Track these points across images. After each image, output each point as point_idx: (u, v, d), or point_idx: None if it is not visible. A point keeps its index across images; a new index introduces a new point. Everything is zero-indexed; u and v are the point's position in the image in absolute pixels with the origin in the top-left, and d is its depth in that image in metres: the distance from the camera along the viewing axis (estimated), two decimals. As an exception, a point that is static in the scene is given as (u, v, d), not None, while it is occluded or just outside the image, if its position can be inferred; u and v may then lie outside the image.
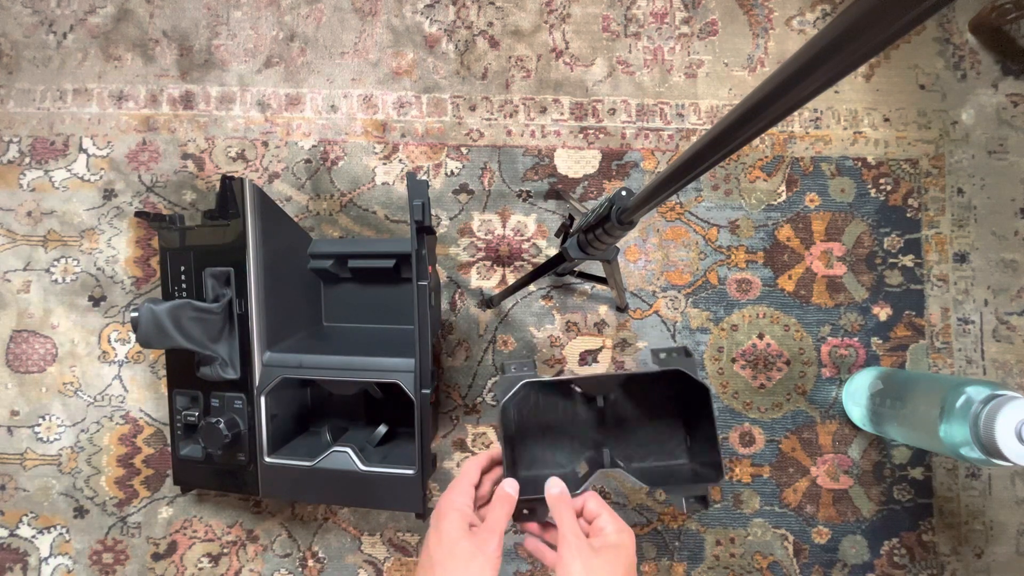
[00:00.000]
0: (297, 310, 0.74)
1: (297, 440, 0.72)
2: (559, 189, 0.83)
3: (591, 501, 0.49)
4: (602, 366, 0.82)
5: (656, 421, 0.59)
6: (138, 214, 0.69)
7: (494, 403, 0.81)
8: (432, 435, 0.77)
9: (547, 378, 0.55)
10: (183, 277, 0.68)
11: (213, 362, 0.67)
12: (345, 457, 0.65)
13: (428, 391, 0.61)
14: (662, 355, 0.54)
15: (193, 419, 0.68)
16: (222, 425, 0.65)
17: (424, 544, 0.46)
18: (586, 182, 0.84)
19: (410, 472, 0.63)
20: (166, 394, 0.72)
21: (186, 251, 0.68)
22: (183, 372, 0.69)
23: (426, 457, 0.62)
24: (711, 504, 0.76)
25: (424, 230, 0.59)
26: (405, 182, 0.81)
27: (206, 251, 0.67)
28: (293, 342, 0.71)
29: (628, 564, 0.45)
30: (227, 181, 0.65)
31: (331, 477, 0.65)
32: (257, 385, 0.66)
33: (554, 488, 0.49)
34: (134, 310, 0.61)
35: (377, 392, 0.71)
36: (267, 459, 0.66)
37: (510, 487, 0.49)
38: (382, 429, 0.70)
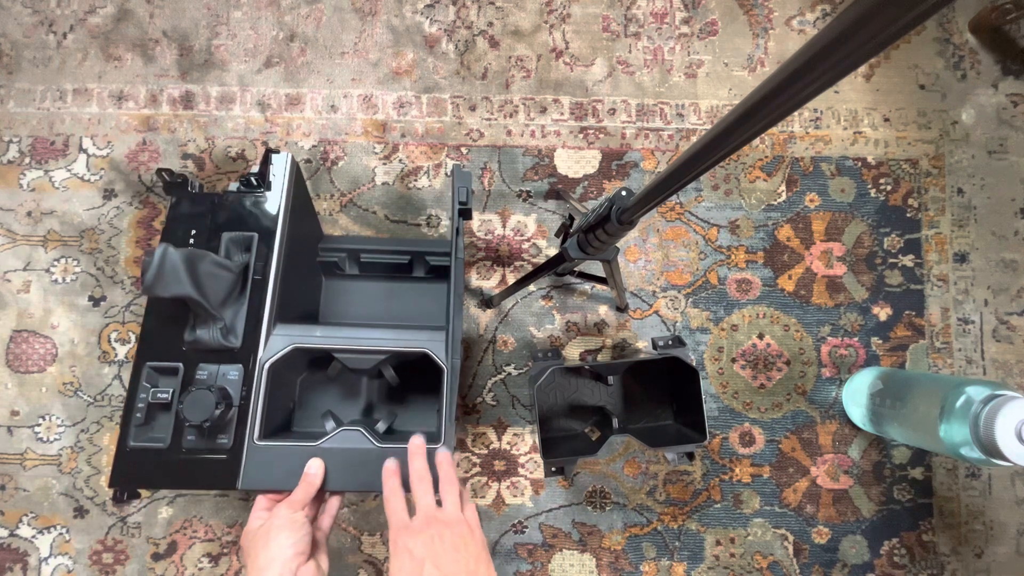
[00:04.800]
0: (299, 299, 0.72)
1: (281, 436, 0.65)
2: (559, 189, 0.83)
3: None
4: (602, 366, 0.82)
5: (651, 394, 0.76)
6: (159, 171, 0.65)
7: (494, 403, 0.81)
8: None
9: (570, 363, 0.71)
10: (191, 242, 0.63)
11: (214, 325, 0.59)
12: (357, 435, 0.59)
13: (459, 360, 0.60)
14: (660, 343, 0.67)
15: (164, 397, 0.58)
16: (213, 391, 0.57)
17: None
18: (586, 182, 0.84)
19: (436, 447, 0.58)
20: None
21: (201, 216, 0.64)
22: (162, 342, 0.60)
23: (452, 428, 0.59)
24: (694, 458, 0.81)
25: (464, 212, 0.63)
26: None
27: (229, 216, 0.64)
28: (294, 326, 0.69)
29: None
30: (269, 152, 0.65)
31: (340, 458, 0.58)
32: (261, 356, 0.60)
33: (390, 464, 0.55)
34: (147, 252, 0.55)
35: (393, 378, 0.67)
36: (257, 441, 0.58)
37: (314, 467, 0.56)
38: (381, 426, 0.68)
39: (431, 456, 0.55)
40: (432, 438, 0.63)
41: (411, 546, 0.46)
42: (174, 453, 0.58)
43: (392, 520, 0.50)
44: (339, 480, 0.58)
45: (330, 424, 0.64)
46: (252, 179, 0.65)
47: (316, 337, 0.61)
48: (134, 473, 0.58)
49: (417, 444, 0.55)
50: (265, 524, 0.51)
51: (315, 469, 0.56)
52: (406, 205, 0.83)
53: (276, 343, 0.61)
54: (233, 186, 0.67)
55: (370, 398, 0.72)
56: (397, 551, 0.47)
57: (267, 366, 0.60)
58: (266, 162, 0.65)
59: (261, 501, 0.55)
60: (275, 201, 0.65)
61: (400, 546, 0.47)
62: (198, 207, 0.65)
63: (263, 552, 0.49)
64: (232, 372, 0.60)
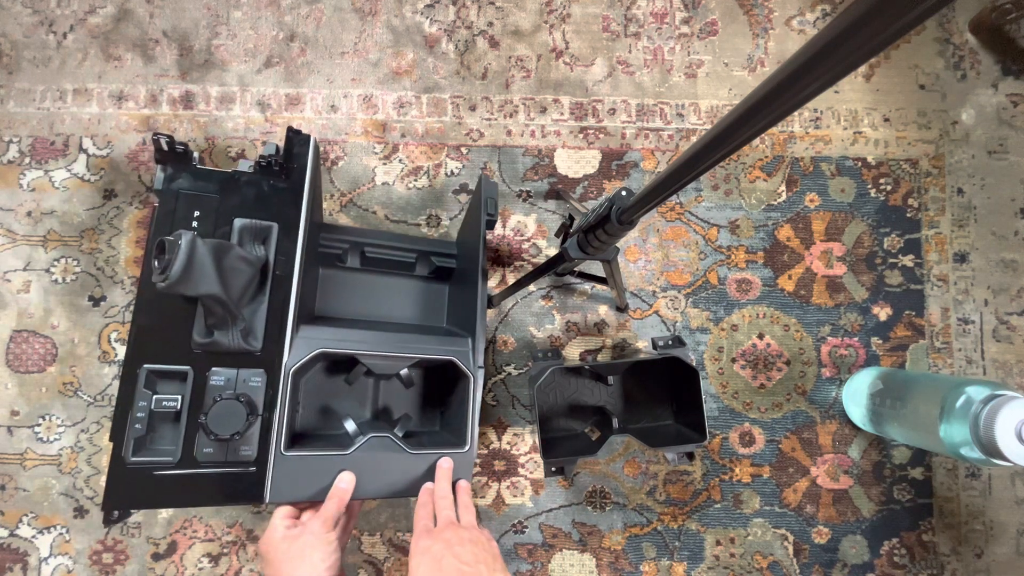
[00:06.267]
0: (306, 291, 0.70)
1: (304, 444, 0.64)
2: (559, 189, 0.83)
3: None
4: (602, 366, 0.82)
5: (651, 394, 0.75)
6: (156, 136, 0.56)
7: (494, 403, 0.81)
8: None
9: (570, 363, 0.70)
10: (195, 226, 0.56)
11: (234, 327, 0.54)
12: (387, 442, 0.57)
13: (483, 367, 0.61)
14: (660, 343, 0.68)
15: (172, 406, 0.52)
16: (243, 400, 0.52)
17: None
18: (586, 182, 0.84)
19: (463, 451, 0.59)
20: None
21: (206, 196, 0.57)
22: (161, 342, 0.53)
23: (476, 433, 0.60)
24: (694, 458, 0.80)
25: (490, 223, 0.64)
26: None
27: (242, 200, 0.57)
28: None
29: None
30: (293, 133, 0.60)
31: (371, 466, 0.56)
32: (287, 361, 0.56)
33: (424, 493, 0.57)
34: (167, 239, 0.47)
35: (410, 380, 0.66)
36: (285, 452, 0.54)
37: (345, 480, 0.55)
38: (400, 430, 0.65)
39: (453, 484, 0.58)
40: (439, 438, 0.64)
41: (430, 546, 0.49)
42: (187, 468, 0.52)
43: (417, 527, 0.52)
44: (369, 488, 0.57)
45: (351, 428, 0.61)
46: (272, 161, 0.58)
47: (344, 342, 0.58)
48: (135, 491, 0.51)
49: (445, 468, 0.58)
50: (299, 540, 0.50)
51: (346, 483, 0.55)
52: (406, 205, 0.83)
53: (301, 347, 0.56)
54: (244, 165, 0.59)
55: (377, 397, 0.70)
56: (417, 552, 0.49)
57: (291, 372, 0.56)
58: (289, 144, 0.60)
59: (284, 508, 0.54)
60: (297, 188, 0.59)
61: (420, 548, 0.49)
62: (201, 185, 0.57)
63: (299, 567, 0.49)
64: (254, 378, 0.55)
